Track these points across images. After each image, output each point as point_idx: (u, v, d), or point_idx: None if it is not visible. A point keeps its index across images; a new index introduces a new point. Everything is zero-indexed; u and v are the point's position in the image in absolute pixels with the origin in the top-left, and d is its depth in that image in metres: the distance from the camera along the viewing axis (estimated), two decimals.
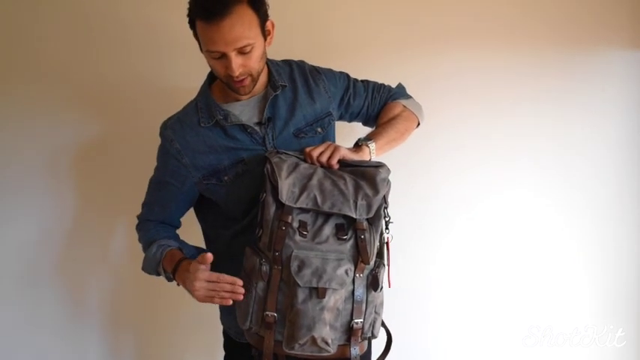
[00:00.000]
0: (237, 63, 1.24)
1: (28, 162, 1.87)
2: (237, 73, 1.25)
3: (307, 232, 1.22)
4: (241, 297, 1.22)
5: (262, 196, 1.26)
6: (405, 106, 1.50)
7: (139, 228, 1.48)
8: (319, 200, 1.22)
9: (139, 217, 1.49)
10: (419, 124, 1.53)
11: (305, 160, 1.30)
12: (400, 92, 1.55)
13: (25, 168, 1.87)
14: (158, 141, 1.42)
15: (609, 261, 1.93)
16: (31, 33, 1.82)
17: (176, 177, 1.39)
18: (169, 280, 1.36)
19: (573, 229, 1.92)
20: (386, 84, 1.55)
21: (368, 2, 1.85)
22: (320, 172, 1.26)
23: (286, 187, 1.22)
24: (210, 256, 1.21)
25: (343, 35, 1.85)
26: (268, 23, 1.30)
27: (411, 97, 1.56)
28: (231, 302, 1.22)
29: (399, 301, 1.73)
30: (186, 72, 1.79)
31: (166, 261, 1.35)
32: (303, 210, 1.23)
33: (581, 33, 1.86)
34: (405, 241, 1.85)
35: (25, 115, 1.85)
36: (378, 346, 1.39)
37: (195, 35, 1.28)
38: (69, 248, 1.91)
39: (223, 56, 1.24)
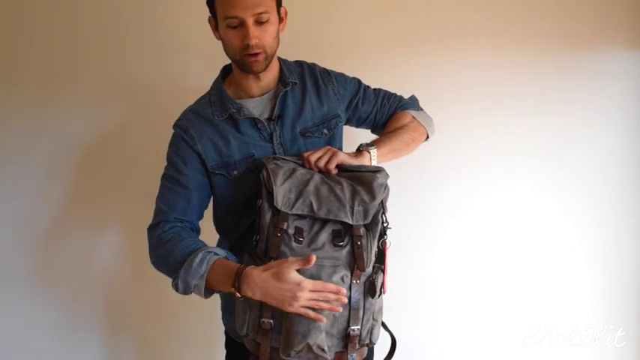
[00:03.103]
0: (253, 32, 1.25)
1: (29, 161, 1.87)
2: (253, 42, 1.25)
3: (303, 238, 1.21)
4: (340, 309, 1.18)
5: (259, 202, 1.26)
6: (414, 117, 1.49)
7: (160, 236, 1.32)
8: (315, 206, 1.22)
9: (155, 222, 1.36)
10: (428, 137, 1.52)
11: (303, 165, 1.30)
12: (411, 103, 1.54)
13: (26, 167, 1.87)
14: (164, 140, 1.42)
15: (609, 261, 1.93)
16: (36, 32, 1.83)
17: (192, 165, 1.35)
18: (206, 296, 1.25)
19: (573, 228, 1.92)
20: (398, 94, 1.54)
21: (368, 1, 1.85)
22: (317, 177, 1.26)
23: (282, 193, 1.22)
24: (314, 257, 1.14)
25: (342, 34, 1.85)
26: (282, 9, 1.33)
27: (422, 109, 1.55)
28: (324, 318, 1.17)
29: (398, 301, 1.73)
30: (193, 71, 1.81)
31: (212, 273, 1.22)
32: (299, 216, 1.23)
33: (582, 32, 1.86)
34: (405, 240, 1.86)
35: (29, 114, 1.86)
36: (381, 349, 1.39)
37: (211, 18, 1.31)
38: (68, 249, 1.91)
39: (241, 25, 1.25)
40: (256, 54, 1.28)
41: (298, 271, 1.17)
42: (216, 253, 1.24)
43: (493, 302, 1.94)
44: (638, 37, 1.85)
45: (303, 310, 1.16)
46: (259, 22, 1.26)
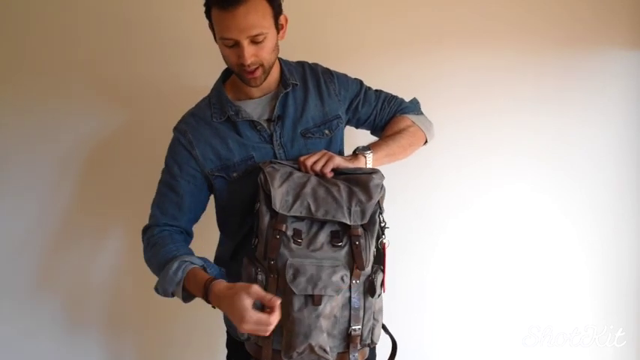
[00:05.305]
0: (249, 52, 1.25)
1: (30, 163, 1.87)
2: (248, 62, 1.26)
3: (302, 240, 1.22)
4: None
5: (257, 205, 1.26)
6: (413, 122, 1.48)
7: (148, 239, 1.37)
8: (313, 208, 1.22)
9: (147, 225, 1.40)
10: (426, 141, 1.52)
11: (299, 169, 1.31)
12: (412, 107, 1.53)
13: (27, 170, 1.88)
14: (167, 142, 1.42)
15: (609, 261, 1.93)
16: (38, 33, 1.83)
17: (186, 170, 1.38)
18: (185, 300, 1.28)
19: (573, 228, 1.92)
20: (399, 97, 1.54)
21: (368, 1, 1.85)
22: (313, 180, 1.27)
23: (279, 195, 1.22)
24: (278, 301, 1.14)
25: (342, 35, 1.85)
26: (282, 17, 1.32)
27: (422, 113, 1.54)
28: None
29: (398, 302, 1.73)
30: (197, 71, 1.81)
31: (189, 281, 1.25)
32: (297, 218, 1.23)
33: (582, 32, 1.86)
34: (405, 240, 1.86)
35: (33, 114, 1.86)
36: (382, 352, 1.39)
37: (211, 25, 1.30)
38: (70, 251, 1.92)
39: (236, 44, 1.25)
40: (254, 70, 1.29)
41: (298, 271, 1.18)
42: (192, 262, 1.27)
43: (493, 302, 1.94)
44: (638, 37, 1.85)
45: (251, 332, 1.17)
46: (255, 42, 1.26)
